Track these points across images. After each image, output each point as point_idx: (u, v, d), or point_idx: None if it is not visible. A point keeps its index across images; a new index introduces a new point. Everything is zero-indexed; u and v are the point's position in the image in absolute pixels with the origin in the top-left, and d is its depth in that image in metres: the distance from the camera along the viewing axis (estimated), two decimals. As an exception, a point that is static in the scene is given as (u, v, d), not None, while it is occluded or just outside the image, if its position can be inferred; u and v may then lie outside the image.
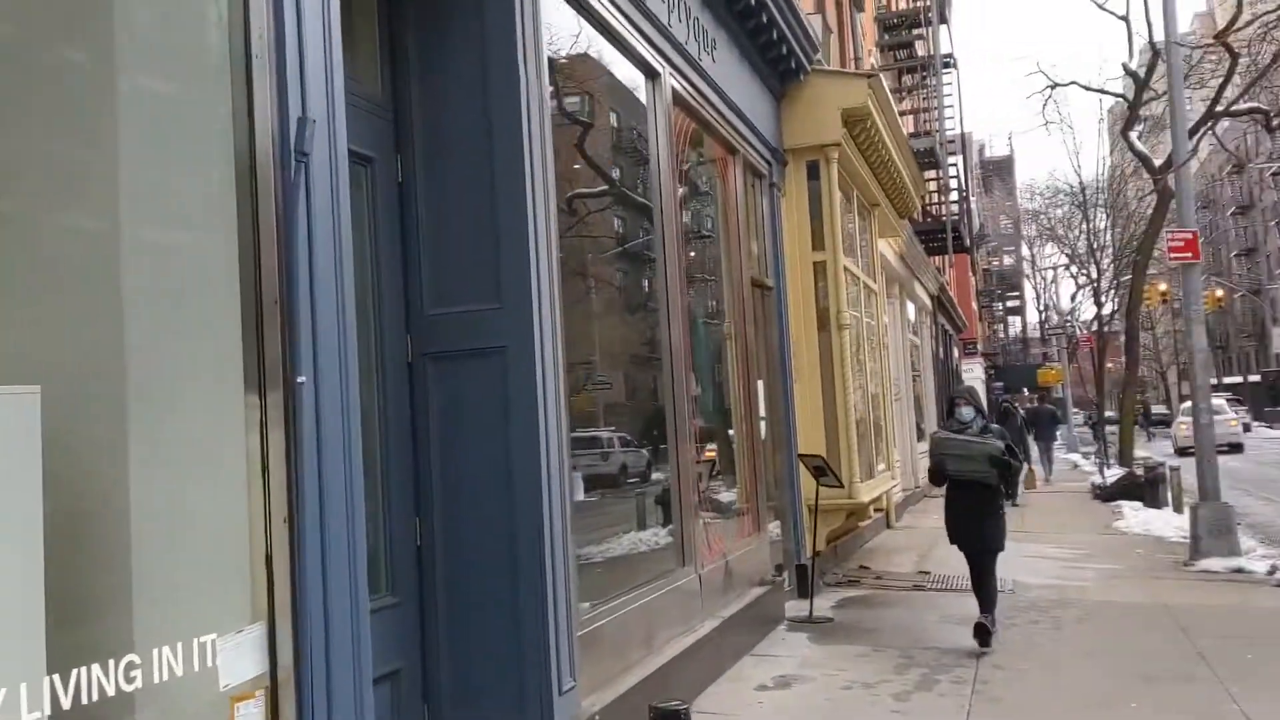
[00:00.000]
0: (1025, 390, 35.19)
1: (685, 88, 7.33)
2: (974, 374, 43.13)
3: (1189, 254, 11.31)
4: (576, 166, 6.05)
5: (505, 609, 4.52)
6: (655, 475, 6.63)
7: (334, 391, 3.27)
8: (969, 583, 7.92)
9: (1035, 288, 60.52)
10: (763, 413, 9.28)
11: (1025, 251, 64.41)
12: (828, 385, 10.38)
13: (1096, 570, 11.08)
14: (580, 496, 5.81)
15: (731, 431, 8.54)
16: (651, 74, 6.73)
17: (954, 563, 9.03)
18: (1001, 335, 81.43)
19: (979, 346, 46.79)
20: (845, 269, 10.74)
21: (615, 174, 6.76)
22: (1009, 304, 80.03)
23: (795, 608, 8.85)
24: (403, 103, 4.77)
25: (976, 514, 7.66)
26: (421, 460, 4.64)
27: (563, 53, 5.67)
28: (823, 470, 8.91)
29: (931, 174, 23.03)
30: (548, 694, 4.45)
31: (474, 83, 4.71)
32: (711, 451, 8.03)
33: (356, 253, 4.46)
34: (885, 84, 11.62)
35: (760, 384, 9.26)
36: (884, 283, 17.17)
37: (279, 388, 3.11)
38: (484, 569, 4.56)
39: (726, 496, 8.18)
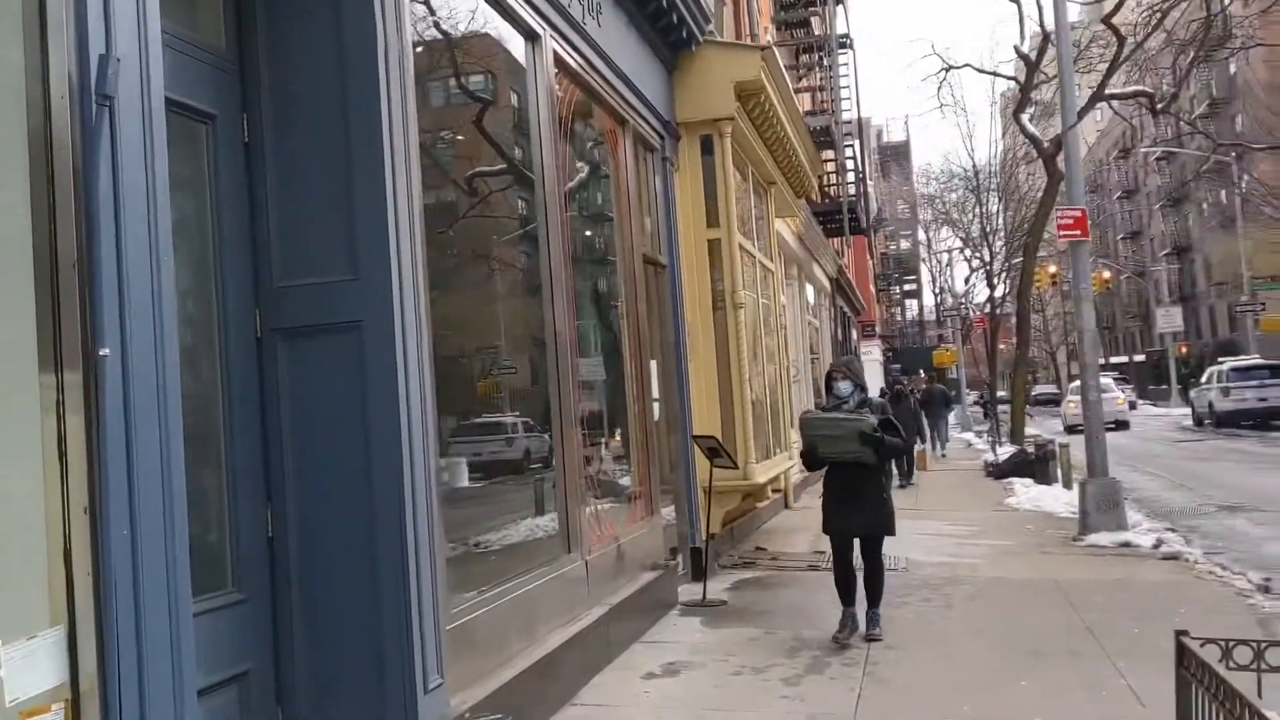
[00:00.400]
0: (921, 372, 35.71)
1: (568, 52, 7.02)
2: (872, 356, 43.76)
3: (1078, 232, 11.40)
4: (448, 132, 5.71)
5: (365, 604, 4.19)
6: (540, 460, 6.34)
7: (148, 366, 2.91)
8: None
9: (931, 271, 61.69)
10: (656, 394, 9.06)
11: (921, 235, 65.61)
12: (723, 366, 10.21)
13: (988, 547, 11.14)
14: (464, 483, 5.52)
15: (624, 413, 8.29)
16: (531, 35, 6.40)
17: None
18: (900, 318, 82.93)
19: (877, 329, 47.51)
20: (741, 247, 10.56)
21: (492, 142, 6.43)
22: (907, 287, 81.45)
23: (690, 591, 8.66)
24: (250, 56, 4.38)
25: (855, 497, 7.09)
26: (273, 444, 4.28)
27: (429, 7, 5.31)
28: (717, 451, 8.71)
29: (829, 155, 23.11)
30: (411, 693, 4.14)
31: (327, 36, 4.34)
32: (601, 434, 7.77)
33: (195, 216, 4.09)
34: (780, 59, 11.45)
35: (654, 364, 9.03)
36: (782, 263, 17.12)
37: (78, 363, 2.74)
38: (342, 562, 4.22)
39: (618, 480, 7.93)
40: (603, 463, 7.68)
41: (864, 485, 7.11)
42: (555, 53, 6.75)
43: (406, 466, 4.20)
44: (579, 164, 7.80)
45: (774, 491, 14.12)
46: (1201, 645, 3.22)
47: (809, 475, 18.63)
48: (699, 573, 8.87)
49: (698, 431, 9.55)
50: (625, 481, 8.08)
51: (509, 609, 5.29)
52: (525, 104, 6.45)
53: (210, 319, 4.10)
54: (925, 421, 21.41)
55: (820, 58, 23.18)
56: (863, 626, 7.10)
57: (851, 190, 23.10)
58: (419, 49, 5.10)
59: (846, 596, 7.22)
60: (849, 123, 23.66)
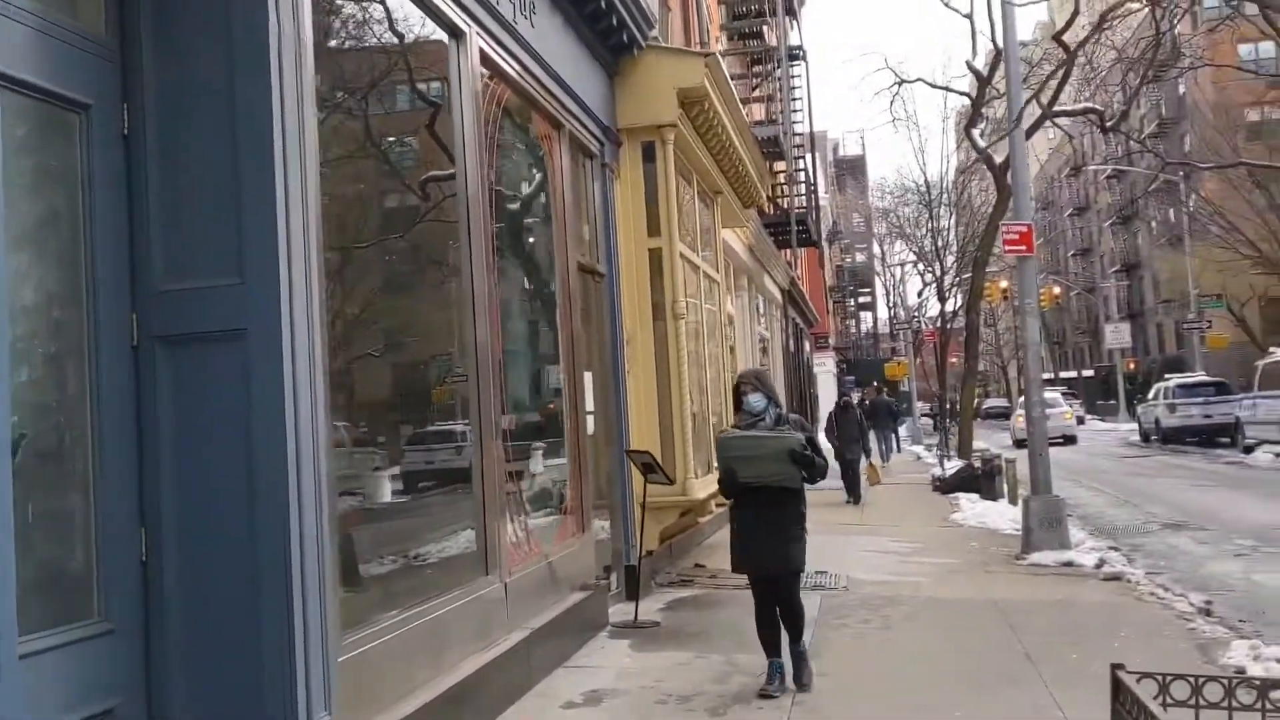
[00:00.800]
0: (875, 383, 35.81)
1: (497, 51, 6.74)
2: (826, 368, 43.88)
3: (1023, 247, 11.30)
4: (356, 131, 5.40)
5: (246, 634, 3.88)
6: (458, 476, 6.04)
7: (-31, 379, 2.60)
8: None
9: (885, 284, 61.94)
10: (591, 406, 8.79)
11: (876, 249, 65.91)
12: (663, 378, 9.97)
13: (931, 565, 10.98)
14: (370, 502, 5.22)
15: (556, 426, 8.01)
16: (455, 32, 6.12)
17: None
18: (855, 331, 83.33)
19: (830, 341, 47.61)
20: (683, 257, 10.34)
21: (408, 142, 6.14)
22: (861, 300, 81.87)
23: (623, 612, 8.38)
24: (133, 45, 4.06)
25: (776, 527, 6.14)
26: (149, 461, 3.96)
27: (336, -2, 5.02)
28: (651, 467, 8.46)
29: (781, 166, 22.99)
30: (294, 730, 3.83)
31: (217, 25, 4.04)
32: (530, 449, 7.49)
33: (65, 212, 3.78)
34: (725, 67, 11.25)
35: (588, 376, 8.76)
36: (731, 274, 16.95)
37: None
38: (222, 588, 3.91)
39: (547, 496, 7.65)
40: (532, 478, 7.40)
41: (783, 513, 6.17)
42: (482, 51, 6.47)
43: (293, 486, 3.90)
44: (508, 168, 7.53)
45: (718, 506, 13.88)
46: (1138, 680, 3.04)
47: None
48: (634, 592, 8.61)
49: (635, 446, 9.30)
50: (555, 498, 7.80)
51: (415, 636, 4.99)
52: (448, 104, 6.16)
53: (80, 324, 3.78)
54: (871, 434, 21.27)
55: (772, 68, 23.06)
56: (790, 672, 6.29)
57: (802, 202, 22.98)
58: (325, 41, 4.81)
59: (771, 647, 6.29)
60: (801, 134, 23.56)
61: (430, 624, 5.16)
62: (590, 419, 8.70)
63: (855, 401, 20.14)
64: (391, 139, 5.98)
